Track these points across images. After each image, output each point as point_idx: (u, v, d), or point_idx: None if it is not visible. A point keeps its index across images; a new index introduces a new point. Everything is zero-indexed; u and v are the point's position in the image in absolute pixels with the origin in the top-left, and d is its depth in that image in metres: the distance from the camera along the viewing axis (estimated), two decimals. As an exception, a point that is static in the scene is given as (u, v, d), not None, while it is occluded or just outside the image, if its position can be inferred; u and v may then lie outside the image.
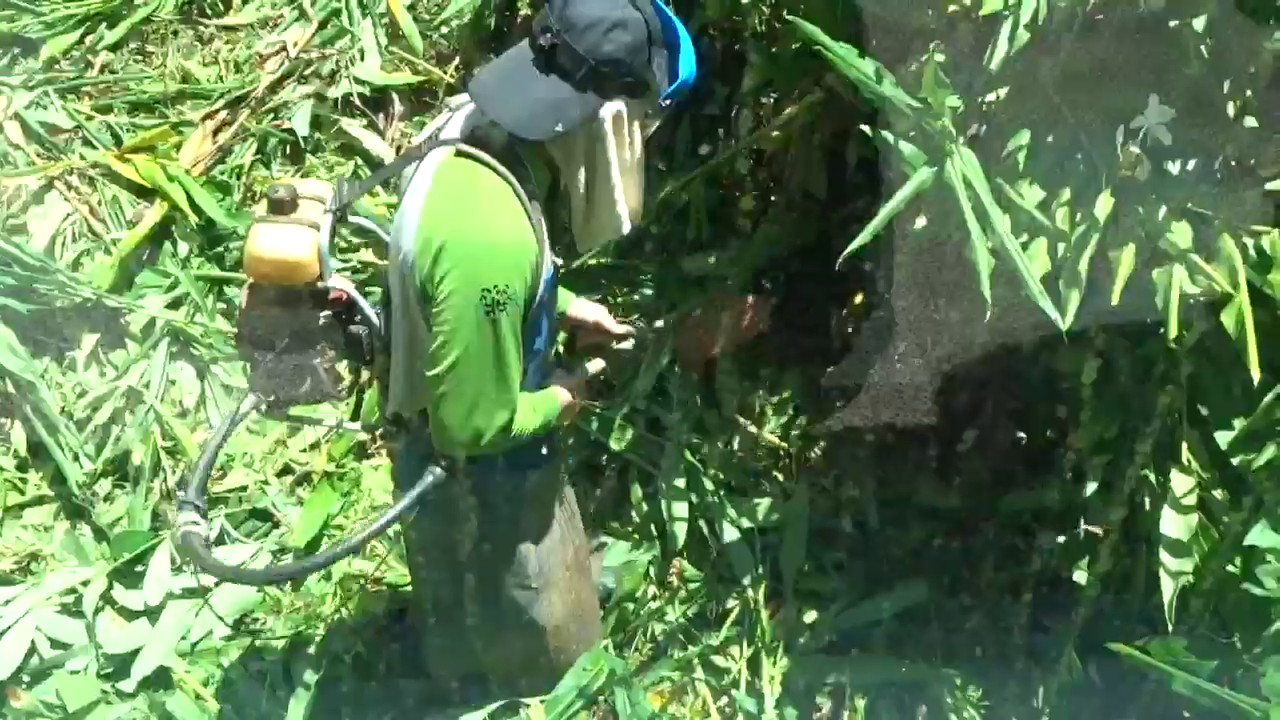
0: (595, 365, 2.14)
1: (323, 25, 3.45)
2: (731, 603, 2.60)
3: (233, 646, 2.64)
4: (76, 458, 2.93)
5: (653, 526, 2.69)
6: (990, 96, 1.88)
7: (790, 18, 1.87)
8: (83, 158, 3.27)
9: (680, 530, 2.64)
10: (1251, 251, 1.76)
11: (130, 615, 2.68)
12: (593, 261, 2.85)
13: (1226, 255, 1.74)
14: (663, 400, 2.76)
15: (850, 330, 2.67)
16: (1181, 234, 1.77)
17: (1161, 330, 1.76)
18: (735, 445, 2.74)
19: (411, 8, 3.42)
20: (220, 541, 2.82)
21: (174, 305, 3.10)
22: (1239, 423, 1.89)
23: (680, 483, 2.66)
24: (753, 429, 2.73)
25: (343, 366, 1.94)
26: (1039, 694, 2.39)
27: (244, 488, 2.93)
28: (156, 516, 2.87)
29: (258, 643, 2.64)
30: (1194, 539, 1.93)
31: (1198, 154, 1.80)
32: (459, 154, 1.73)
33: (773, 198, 2.75)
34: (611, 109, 1.69)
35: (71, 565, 2.78)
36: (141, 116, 3.40)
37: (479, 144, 1.73)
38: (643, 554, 2.65)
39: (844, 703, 2.47)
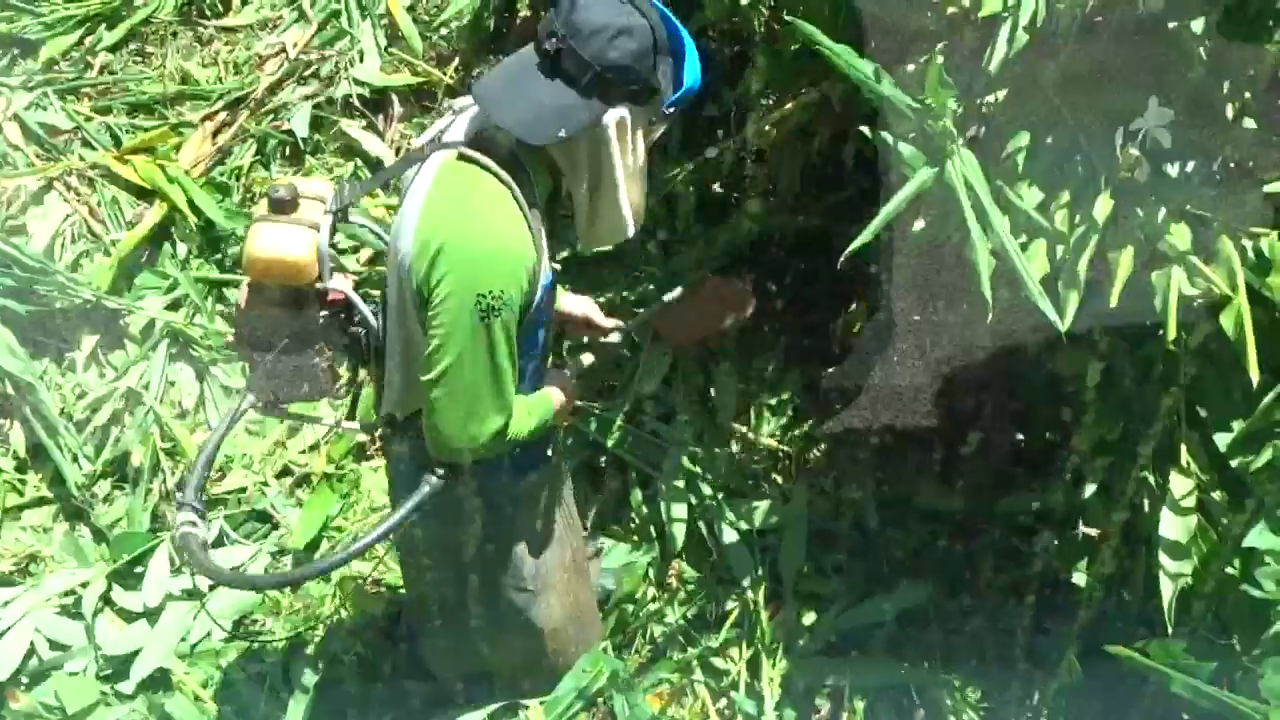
0: (586, 359, 2.14)
1: (322, 26, 3.45)
2: (731, 604, 2.60)
3: (232, 648, 2.64)
4: (76, 459, 2.93)
5: (652, 528, 2.69)
6: (989, 98, 1.88)
7: (790, 19, 1.87)
8: (82, 159, 3.28)
9: (680, 532, 2.64)
10: (1250, 254, 1.75)
11: (129, 617, 2.68)
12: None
13: (1225, 257, 1.74)
14: (663, 401, 2.76)
15: (850, 332, 2.67)
16: (1180, 236, 1.77)
17: (1161, 332, 1.76)
18: (734, 447, 2.74)
19: (411, 9, 3.43)
20: (220, 543, 2.82)
21: (173, 306, 3.11)
22: (1238, 424, 1.89)
23: (680, 484, 2.66)
24: (750, 435, 2.73)
25: (342, 367, 1.95)
26: (1038, 696, 2.39)
27: (243, 489, 2.93)
28: (156, 518, 2.87)
29: (257, 644, 2.64)
30: (1193, 541, 1.92)
31: (1197, 156, 1.80)
32: (460, 157, 1.73)
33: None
34: (615, 115, 1.69)
35: (71, 567, 2.78)
36: (141, 118, 3.40)
37: (484, 147, 1.73)
38: (642, 555, 2.65)
39: (843, 704, 2.46)
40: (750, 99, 2.62)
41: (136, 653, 2.60)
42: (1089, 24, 1.78)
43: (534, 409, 1.86)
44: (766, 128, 2.58)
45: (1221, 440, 1.91)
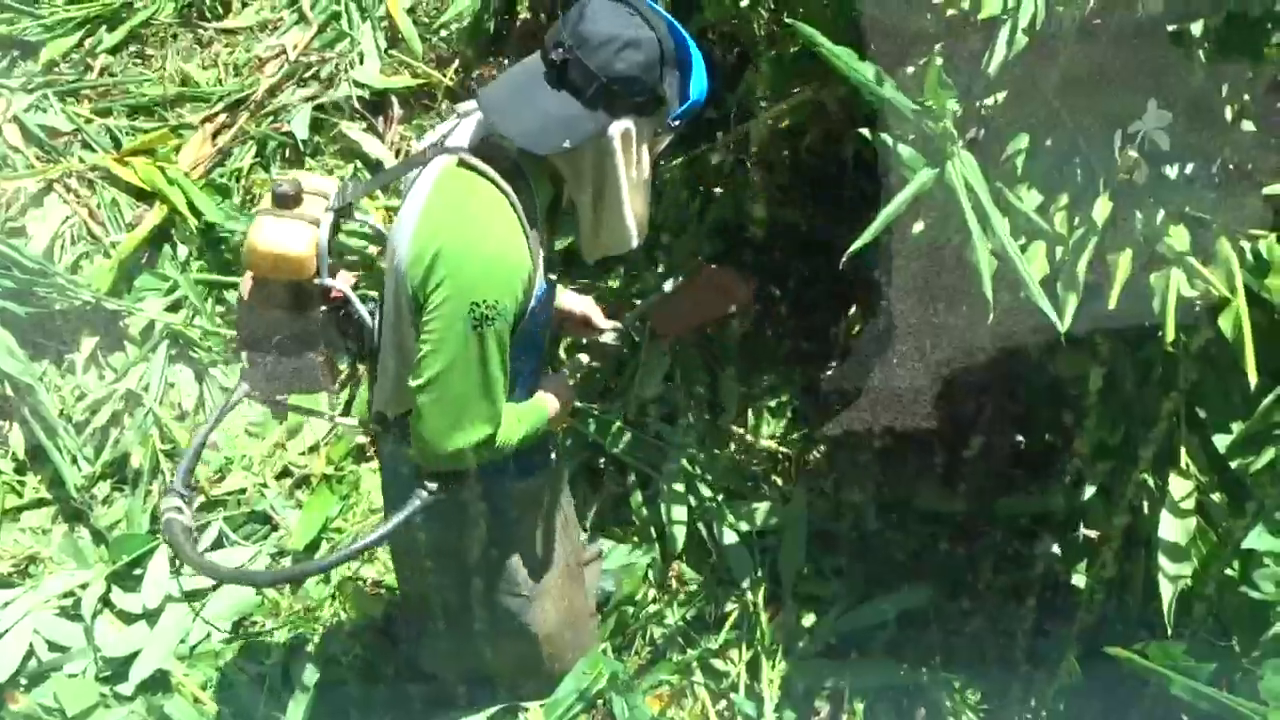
0: (582, 358, 2.14)
1: (322, 28, 3.45)
2: (730, 606, 2.59)
3: (231, 649, 2.63)
4: (75, 460, 2.93)
5: (652, 529, 2.69)
6: (989, 100, 1.88)
7: (790, 21, 1.87)
8: (82, 160, 3.28)
9: (680, 533, 2.64)
10: (1249, 256, 1.76)
11: (129, 618, 2.68)
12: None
13: (1224, 259, 1.74)
14: (664, 402, 2.76)
15: (850, 334, 2.67)
16: (1179, 238, 1.77)
17: (1160, 334, 1.76)
18: (734, 449, 2.74)
19: (411, 11, 3.43)
20: (219, 544, 2.82)
21: (173, 308, 3.11)
22: (1237, 426, 1.89)
23: (680, 486, 2.66)
24: (750, 437, 2.73)
25: (340, 363, 1.95)
26: (1038, 698, 2.39)
27: (243, 490, 2.93)
28: (155, 519, 2.85)
29: (256, 646, 2.64)
30: (1193, 543, 1.92)
31: (1195, 158, 1.80)
32: (461, 164, 1.73)
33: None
34: (621, 127, 1.68)
35: (70, 568, 2.78)
36: (141, 119, 3.41)
37: (487, 154, 1.72)
38: (642, 557, 2.65)
39: (843, 706, 2.46)
40: (750, 101, 2.62)
41: (136, 654, 2.60)
42: (1088, 27, 1.78)
43: (525, 417, 1.84)
44: (766, 129, 2.59)
45: (1221, 442, 1.91)
